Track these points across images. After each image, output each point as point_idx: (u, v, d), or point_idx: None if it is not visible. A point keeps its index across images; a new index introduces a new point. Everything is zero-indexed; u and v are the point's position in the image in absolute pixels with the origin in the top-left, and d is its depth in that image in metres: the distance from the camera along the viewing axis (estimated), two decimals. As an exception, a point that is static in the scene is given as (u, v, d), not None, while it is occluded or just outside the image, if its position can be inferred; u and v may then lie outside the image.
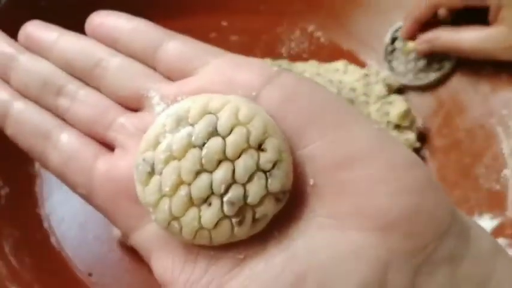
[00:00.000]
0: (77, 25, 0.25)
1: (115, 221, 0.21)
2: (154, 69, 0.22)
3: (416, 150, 0.43)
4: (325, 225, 0.18)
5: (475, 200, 0.40)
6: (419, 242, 0.18)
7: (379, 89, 0.44)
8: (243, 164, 0.18)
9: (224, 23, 0.49)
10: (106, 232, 0.40)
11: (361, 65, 0.47)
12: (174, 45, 0.22)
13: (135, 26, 0.22)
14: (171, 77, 0.22)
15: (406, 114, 0.42)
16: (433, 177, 0.19)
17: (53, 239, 0.39)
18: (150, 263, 0.20)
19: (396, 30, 0.47)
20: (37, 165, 0.42)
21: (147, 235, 0.20)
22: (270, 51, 0.48)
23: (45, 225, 0.40)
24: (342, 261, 0.17)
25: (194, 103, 0.19)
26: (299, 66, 0.45)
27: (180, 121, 0.18)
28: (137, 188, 0.19)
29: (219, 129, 0.18)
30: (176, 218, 0.18)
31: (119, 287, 0.38)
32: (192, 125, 0.18)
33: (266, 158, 0.18)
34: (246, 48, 0.48)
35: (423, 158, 0.43)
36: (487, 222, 0.39)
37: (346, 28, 0.49)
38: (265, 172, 0.18)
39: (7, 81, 0.23)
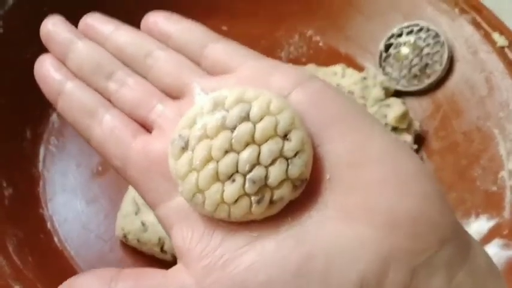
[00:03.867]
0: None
1: (144, 193, 0.22)
2: (199, 65, 0.24)
3: (414, 152, 0.43)
4: (335, 217, 0.19)
5: (471, 201, 0.40)
6: (420, 243, 0.18)
7: (377, 92, 0.44)
8: (268, 148, 0.19)
9: (224, 28, 0.49)
10: (108, 232, 0.40)
11: (359, 68, 0.47)
12: (221, 46, 0.24)
13: (188, 26, 0.25)
14: (213, 74, 0.23)
15: (404, 116, 0.43)
16: (441, 190, 0.20)
17: (55, 239, 0.40)
18: (170, 234, 0.21)
19: (390, 37, 0.47)
20: (40, 166, 0.42)
21: (172, 208, 0.21)
22: (270, 55, 0.46)
23: (48, 225, 0.40)
24: (347, 248, 0.18)
25: (231, 92, 0.20)
26: (298, 69, 0.45)
27: (217, 106, 0.20)
28: (170, 162, 0.20)
29: (251, 115, 0.19)
30: (201, 191, 0.19)
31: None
32: (227, 110, 0.20)
33: (290, 147, 0.19)
34: (245, 52, 0.48)
35: (420, 160, 0.43)
36: (484, 223, 0.38)
37: (344, 32, 0.49)
38: (287, 159, 0.19)
39: (64, 63, 0.25)
